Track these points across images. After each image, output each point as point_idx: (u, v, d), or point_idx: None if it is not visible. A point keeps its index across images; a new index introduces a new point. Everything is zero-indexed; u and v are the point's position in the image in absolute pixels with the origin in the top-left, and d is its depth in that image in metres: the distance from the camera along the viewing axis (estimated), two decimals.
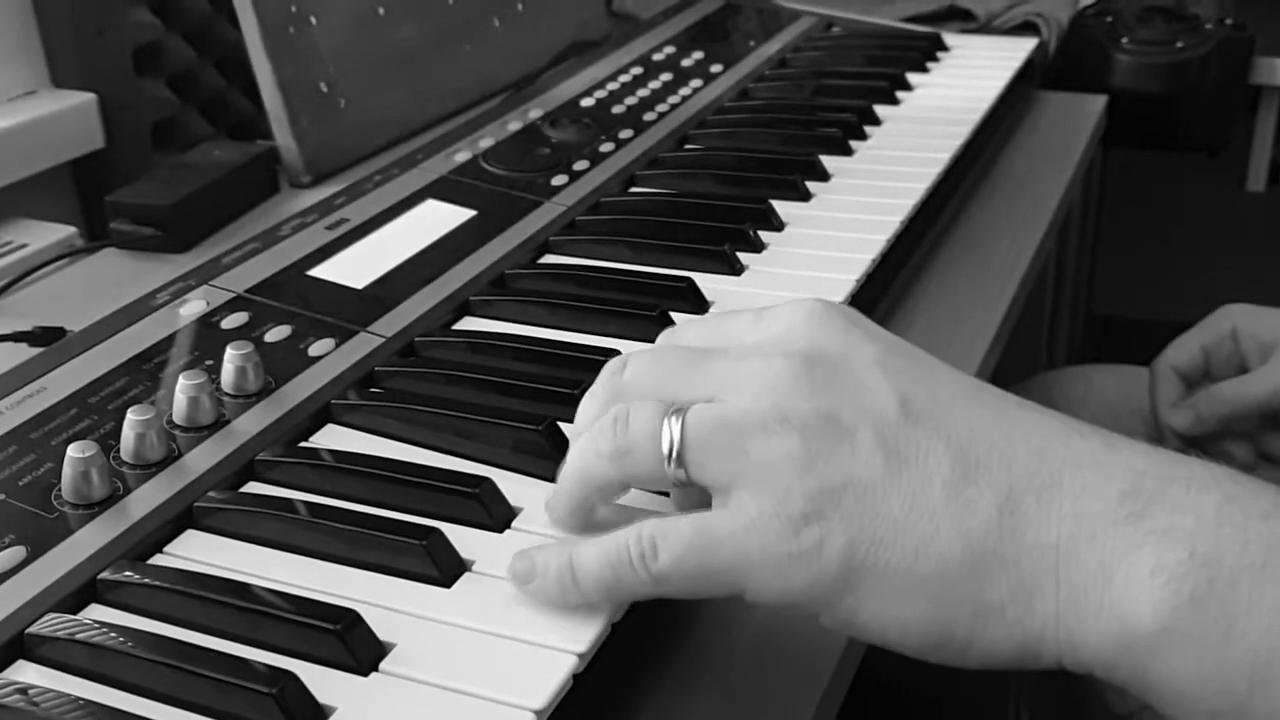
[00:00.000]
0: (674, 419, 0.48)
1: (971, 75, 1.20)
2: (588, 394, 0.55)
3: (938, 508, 0.45)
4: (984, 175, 1.08)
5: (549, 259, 0.86)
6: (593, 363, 0.69)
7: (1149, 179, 1.99)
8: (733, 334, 0.52)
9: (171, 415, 0.64)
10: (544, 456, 0.61)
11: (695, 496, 0.50)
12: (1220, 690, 0.42)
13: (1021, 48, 1.26)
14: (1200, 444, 0.87)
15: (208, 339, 0.71)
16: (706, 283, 0.79)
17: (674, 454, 0.48)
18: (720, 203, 0.92)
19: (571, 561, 0.50)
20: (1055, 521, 0.44)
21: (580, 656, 0.50)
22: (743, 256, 0.84)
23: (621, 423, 0.50)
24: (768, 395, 0.47)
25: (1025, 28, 1.43)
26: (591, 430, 0.51)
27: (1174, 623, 0.42)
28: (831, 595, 0.46)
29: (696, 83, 1.15)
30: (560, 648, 0.51)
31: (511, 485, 0.60)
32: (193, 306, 0.74)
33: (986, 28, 1.44)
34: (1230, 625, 0.42)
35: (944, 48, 1.28)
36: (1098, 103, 1.26)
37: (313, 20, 1.07)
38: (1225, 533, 0.43)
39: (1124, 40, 1.51)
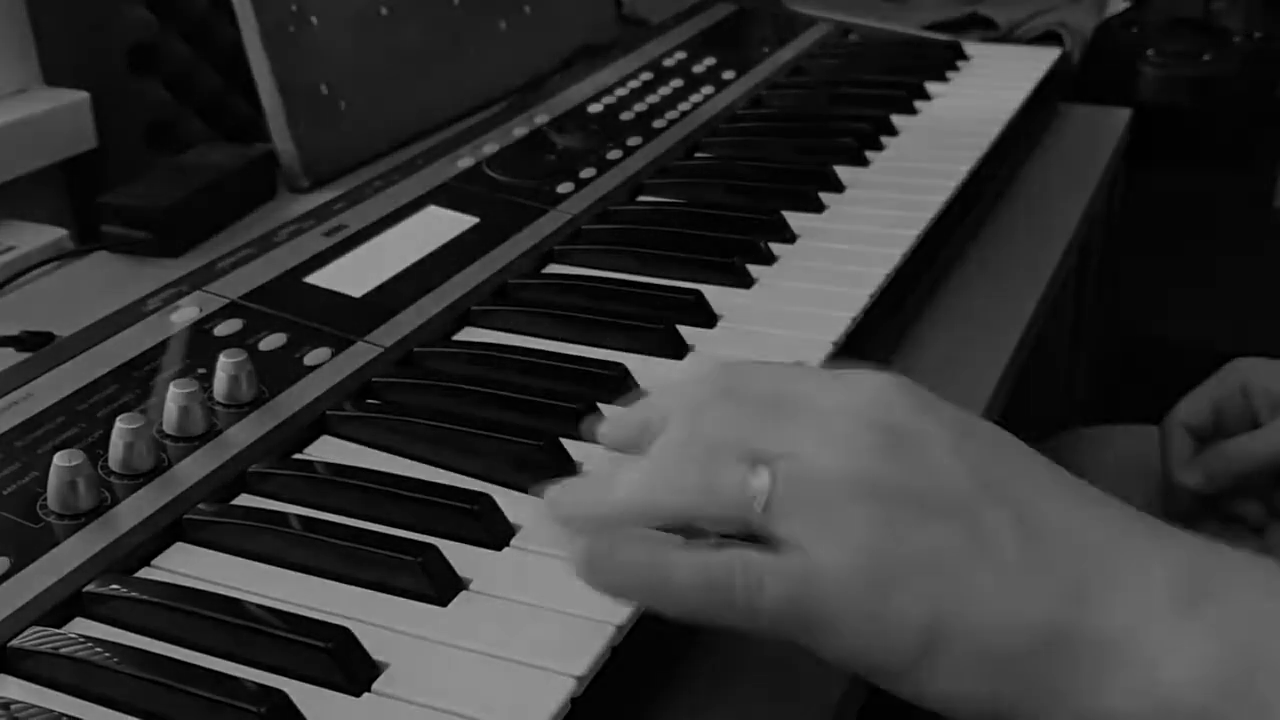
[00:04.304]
0: (762, 469, 0.48)
1: (992, 86, 1.19)
2: (646, 407, 0.54)
3: (1012, 589, 0.46)
4: (1004, 188, 1.07)
5: (553, 269, 0.85)
6: (597, 376, 0.68)
7: (1174, 194, 1.97)
8: (806, 390, 0.51)
9: (162, 424, 0.63)
10: (545, 473, 0.59)
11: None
12: None
13: (1044, 58, 1.25)
14: (1213, 502, 0.86)
15: (200, 346, 0.71)
16: (715, 295, 0.78)
17: (762, 503, 0.48)
18: (731, 213, 0.91)
19: (665, 563, 0.49)
20: (1117, 613, 0.46)
21: (579, 680, 0.50)
22: (753, 269, 0.82)
23: (706, 464, 0.49)
24: (855, 461, 0.48)
25: (1048, 38, 1.42)
26: (669, 461, 0.50)
27: (1211, 709, 0.44)
28: (907, 662, 0.47)
29: (708, 89, 1.14)
30: (558, 670, 0.50)
31: (511, 502, 0.59)
32: (185, 313, 0.74)
33: (1008, 37, 1.43)
34: (1266, 715, 0.43)
35: (964, 57, 1.27)
36: (1122, 116, 1.26)
37: (313, 20, 1.07)
38: (1265, 626, 0.45)
39: (1150, 52, 1.49)
